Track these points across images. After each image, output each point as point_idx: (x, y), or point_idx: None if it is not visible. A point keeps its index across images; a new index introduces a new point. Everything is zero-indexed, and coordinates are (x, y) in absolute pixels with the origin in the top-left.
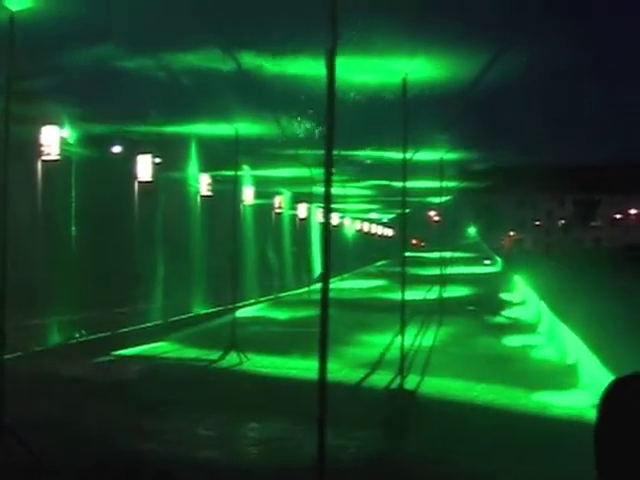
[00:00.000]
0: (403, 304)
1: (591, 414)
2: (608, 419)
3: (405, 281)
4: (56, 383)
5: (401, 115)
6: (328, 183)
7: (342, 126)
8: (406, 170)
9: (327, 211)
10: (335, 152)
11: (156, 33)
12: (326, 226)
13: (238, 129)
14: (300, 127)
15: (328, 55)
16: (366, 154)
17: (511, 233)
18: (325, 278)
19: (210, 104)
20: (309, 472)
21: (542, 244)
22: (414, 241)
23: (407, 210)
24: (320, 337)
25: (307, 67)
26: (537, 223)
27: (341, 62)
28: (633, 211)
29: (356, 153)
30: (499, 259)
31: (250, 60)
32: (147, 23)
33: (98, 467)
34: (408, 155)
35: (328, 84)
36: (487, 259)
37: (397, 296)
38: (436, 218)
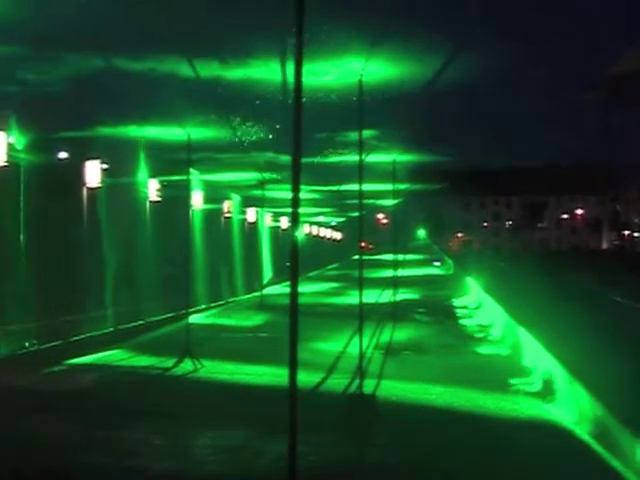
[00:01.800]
0: (361, 308)
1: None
2: None
3: (358, 285)
4: (2, 394)
5: (355, 117)
6: (296, 188)
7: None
8: (362, 172)
9: (294, 217)
10: (287, 156)
11: (107, 35)
12: (293, 231)
13: (190, 133)
14: (252, 131)
15: (295, 60)
16: (317, 157)
17: (459, 235)
18: (293, 283)
19: (162, 108)
20: None
21: (490, 245)
22: (362, 244)
23: (358, 213)
24: (290, 343)
25: (261, 70)
26: (485, 224)
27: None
28: (579, 211)
29: (309, 156)
30: (449, 261)
31: (203, 63)
32: (97, 24)
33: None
34: (362, 157)
35: (295, 90)
36: (437, 261)
37: (350, 300)
38: (384, 221)
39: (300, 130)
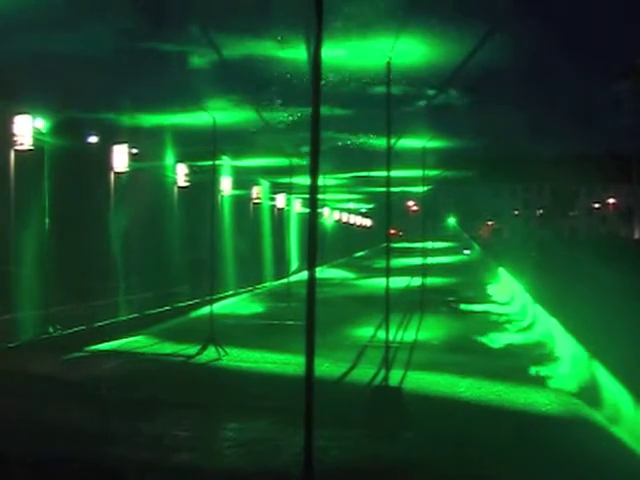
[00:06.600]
0: (387, 299)
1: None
2: None
3: (384, 273)
4: (26, 380)
5: (384, 100)
6: (314, 173)
7: (322, 113)
8: (390, 157)
9: (313, 202)
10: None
11: (134, 19)
12: (311, 218)
13: (216, 117)
14: (279, 115)
15: (315, 42)
16: (347, 142)
17: (489, 222)
18: (310, 270)
19: (188, 92)
20: (292, 476)
21: (520, 233)
22: (392, 231)
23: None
24: (307, 333)
25: (288, 52)
26: (516, 212)
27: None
28: (611, 200)
29: (336, 140)
30: (478, 248)
31: (229, 45)
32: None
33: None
34: (391, 142)
35: (314, 74)
36: (467, 249)
37: (376, 289)
38: (414, 208)
39: (318, 114)
